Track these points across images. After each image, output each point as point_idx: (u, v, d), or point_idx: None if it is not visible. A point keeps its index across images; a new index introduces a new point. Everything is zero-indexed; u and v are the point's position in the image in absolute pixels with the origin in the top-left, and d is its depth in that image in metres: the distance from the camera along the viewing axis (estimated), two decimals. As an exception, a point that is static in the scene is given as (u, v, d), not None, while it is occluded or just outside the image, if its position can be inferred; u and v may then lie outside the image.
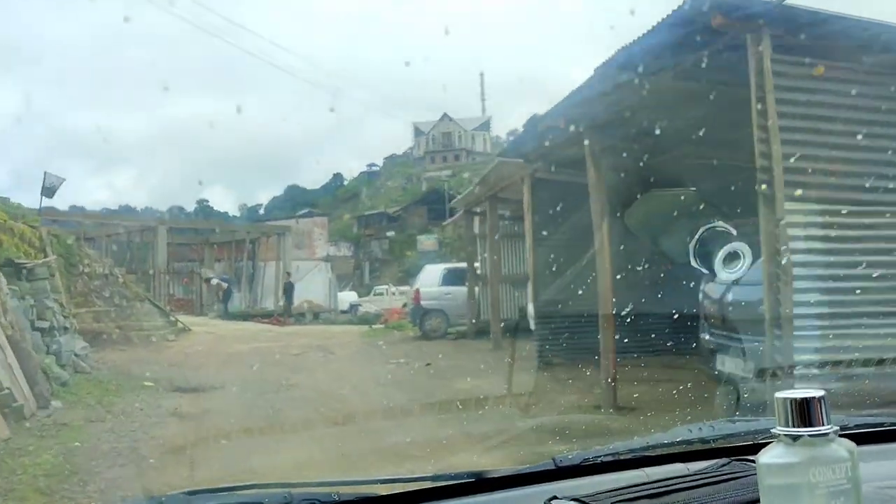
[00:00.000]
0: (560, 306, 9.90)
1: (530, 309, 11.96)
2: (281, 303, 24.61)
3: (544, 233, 10.29)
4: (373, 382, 10.08)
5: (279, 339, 17.03)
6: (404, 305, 34.87)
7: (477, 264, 15.26)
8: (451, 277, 16.02)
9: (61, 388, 9.22)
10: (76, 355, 11.62)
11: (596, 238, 7.68)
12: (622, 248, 7.78)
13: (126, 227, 24.87)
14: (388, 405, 8.14)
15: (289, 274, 25.18)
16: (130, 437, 6.74)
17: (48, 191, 14.85)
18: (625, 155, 7.30)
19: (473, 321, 14.80)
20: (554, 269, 9.98)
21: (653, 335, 8.06)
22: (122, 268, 19.04)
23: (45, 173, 14.69)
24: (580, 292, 9.52)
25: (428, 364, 11.54)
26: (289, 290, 23.74)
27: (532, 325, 11.74)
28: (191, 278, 26.47)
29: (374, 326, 20.55)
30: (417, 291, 15.98)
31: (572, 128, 7.81)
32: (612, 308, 7.56)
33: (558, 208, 9.85)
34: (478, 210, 14.99)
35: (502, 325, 12.82)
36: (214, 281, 23.33)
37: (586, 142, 7.68)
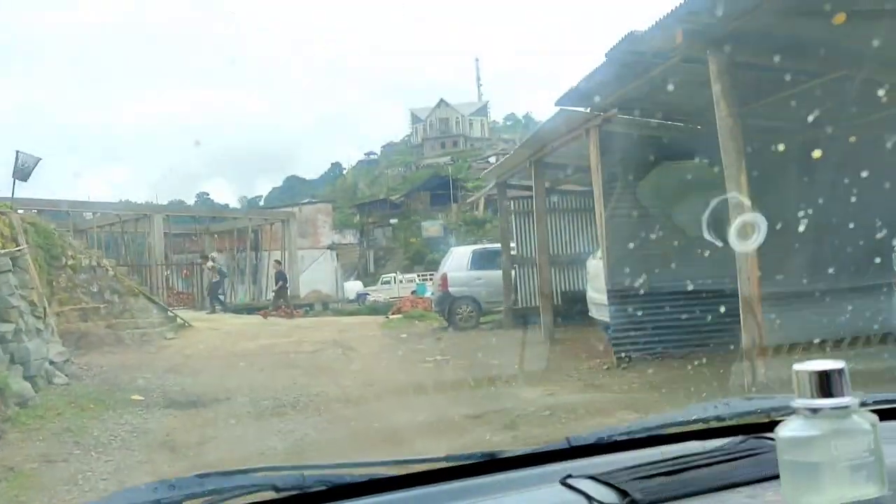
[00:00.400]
0: (643, 289, 7.73)
1: (592, 293, 9.78)
2: (274, 293, 21.79)
3: (620, 199, 8.10)
4: (413, 390, 7.88)
5: (289, 333, 14.81)
6: (413, 292, 32.95)
7: (513, 244, 13.00)
8: (482, 260, 13.74)
9: (21, 409, 7.01)
10: (51, 363, 9.41)
11: (730, 194, 5.47)
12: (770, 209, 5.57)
13: (120, 217, 22.46)
14: (448, 425, 5.96)
15: (279, 262, 22.46)
16: (97, 494, 4.52)
17: (21, 172, 12.51)
18: (780, 81, 5.09)
19: (513, 309, 12.58)
20: (635, 243, 7.79)
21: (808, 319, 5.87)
22: (112, 259, 16.73)
23: (17, 153, 12.35)
24: (679, 270, 7.36)
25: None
26: (280, 280, 21.00)
27: (597, 313, 9.57)
28: (191, 270, 24.13)
29: (391, 316, 18.34)
30: (444, 277, 13.68)
31: (689, 46, 5.57)
32: (757, 285, 5.36)
33: (642, 168, 7.66)
34: (513, 182, 12.73)
35: (554, 312, 10.60)
36: (210, 263, 20.67)
37: (713, 66, 5.45)
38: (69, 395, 8.38)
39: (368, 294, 33.54)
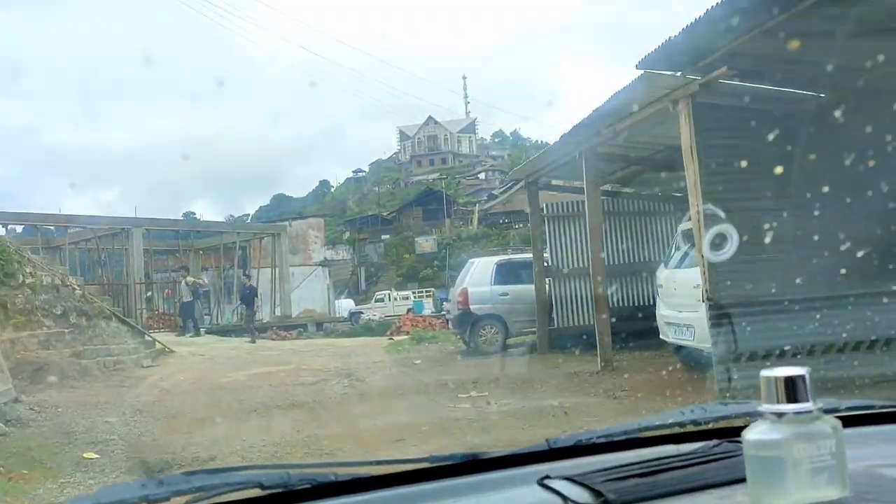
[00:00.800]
0: (764, 303, 5.79)
1: (665, 311, 7.79)
2: (244, 313, 19.40)
3: (727, 190, 6.16)
4: (459, 447, 5.81)
5: (285, 359, 12.70)
6: (409, 310, 30.83)
7: (546, 254, 10.98)
8: (507, 273, 11.67)
9: (-82, 485, 4.87)
10: (-12, 407, 7.28)
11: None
12: None
13: (95, 232, 20.15)
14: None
15: (248, 277, 19.96)
16: None
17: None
18: None
19: (549, 329, 10.53)
20: (752, 243, 5.86)
21: None
22: (80, 277, 14.52)
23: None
24: (819, 276, 5.41)
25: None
26: (249, 297, 18.45)
27: (673, 335, 7.57)
28: (173, 289, 21.83)
29: (395, 338, 16.25)
30: (465, 292, 11.59)
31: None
32: None
33: (767, 151, 5.73)
34: (544, 182, 10.74)
35: (612, 334, 8.57)
36: (190, 279, 18.14)
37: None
38: (2, 452, 6.24)
39: (362, 312, 31.39)
